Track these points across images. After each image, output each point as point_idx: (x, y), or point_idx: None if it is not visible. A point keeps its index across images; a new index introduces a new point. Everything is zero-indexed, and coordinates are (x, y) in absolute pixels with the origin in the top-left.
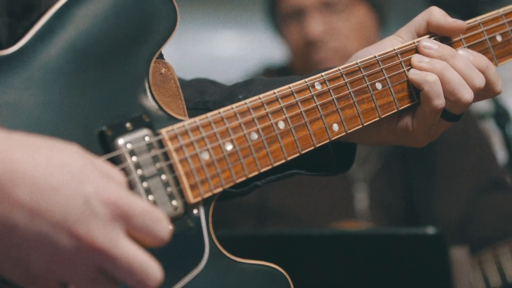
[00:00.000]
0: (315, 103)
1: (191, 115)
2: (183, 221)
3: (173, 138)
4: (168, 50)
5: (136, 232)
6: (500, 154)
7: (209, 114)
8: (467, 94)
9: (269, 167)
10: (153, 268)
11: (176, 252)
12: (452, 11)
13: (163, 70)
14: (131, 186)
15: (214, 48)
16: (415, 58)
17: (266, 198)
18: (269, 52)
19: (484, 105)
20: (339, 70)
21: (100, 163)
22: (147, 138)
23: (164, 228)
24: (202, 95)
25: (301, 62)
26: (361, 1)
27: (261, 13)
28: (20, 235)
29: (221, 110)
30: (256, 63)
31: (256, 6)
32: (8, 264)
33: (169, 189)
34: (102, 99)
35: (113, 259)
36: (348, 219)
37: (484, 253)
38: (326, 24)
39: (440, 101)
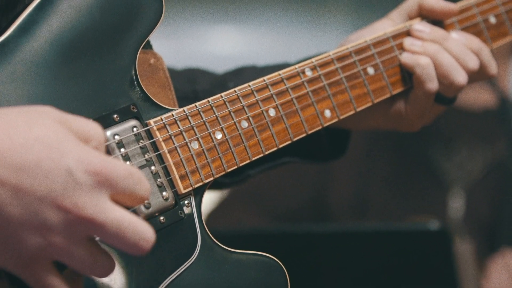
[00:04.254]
0: (306, 89)
1: (181, 105)
2: (174, 212)
3: (162, 128)
4: (162, 46)
5: (119, 196)
6: None
7: (198, 103)
8: (460, 77)
9: (261, 155)
10: (144, 229)
11: (168, 244)
12: None
13: (152, 61)
14: None
15: (211, 45)
16: (407, 42)
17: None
18: (270, 50)
19: None
20: (330, 55)
21: (77, 125)
22: (135, 129)
23: (145, 188)
24: (192, 84)
25: None
26: None
27: (263, 7)
28: (6, 214)
29: (210, 99)
30: (257, 62)
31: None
32: None
33: (159, 180)
34: (88, 91)
35: (102, 226)
36: (422, 213)
37: None
38: None
39: (433, 84)
